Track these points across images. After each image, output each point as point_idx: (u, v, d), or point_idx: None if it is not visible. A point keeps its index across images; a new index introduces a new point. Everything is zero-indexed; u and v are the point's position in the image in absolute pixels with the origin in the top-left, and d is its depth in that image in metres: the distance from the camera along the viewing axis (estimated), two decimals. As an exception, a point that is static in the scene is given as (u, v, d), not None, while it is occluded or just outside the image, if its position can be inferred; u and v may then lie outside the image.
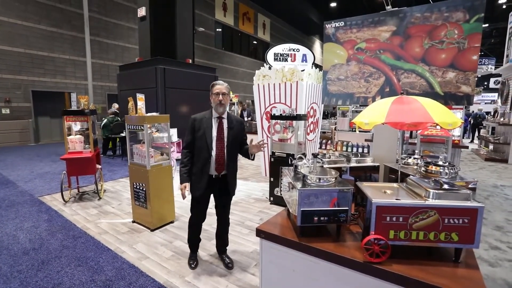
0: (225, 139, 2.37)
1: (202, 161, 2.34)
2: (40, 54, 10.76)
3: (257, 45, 22.54)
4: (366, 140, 5.84)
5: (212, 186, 2.42)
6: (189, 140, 2.39)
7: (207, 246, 2.97)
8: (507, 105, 8.84)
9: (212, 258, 2.76)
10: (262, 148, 2.33)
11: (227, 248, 2.74)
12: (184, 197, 2.33)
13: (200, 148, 2.35)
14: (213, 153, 2.34)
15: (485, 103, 19.85)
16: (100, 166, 4.74)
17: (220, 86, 2.34)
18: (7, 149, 9.45)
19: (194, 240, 2.66)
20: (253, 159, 2.47)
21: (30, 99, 10.70)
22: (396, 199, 1.24)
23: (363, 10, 18.04)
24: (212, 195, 2.52)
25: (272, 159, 4.18)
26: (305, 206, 1.37)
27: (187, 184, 2.37)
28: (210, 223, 3.23)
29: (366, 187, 1.43)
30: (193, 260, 2.63)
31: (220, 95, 2.31)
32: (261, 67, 5.49)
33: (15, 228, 3.43)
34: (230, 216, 2.67)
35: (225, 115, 2.40)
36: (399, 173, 1.65)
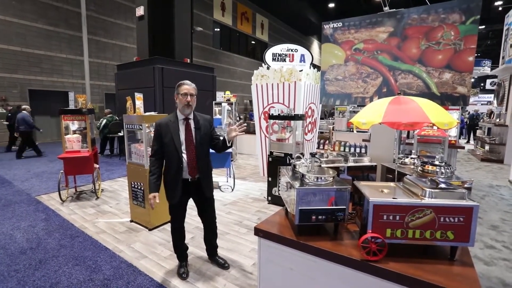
0: (194, 141, 2.26)
1: (175, 167, 2.24)
2: (37, 53, 10.70)
3: (255, 45, 22.55)
4: (363, 140, 5.87)
5: (189, 190, 2.34)
6: (156, 147, 2.27)
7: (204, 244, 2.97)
8: (502, 106, 8.92)
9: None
10: (239, 132, 2.19)
11: (217, 250, 2.69)
12: (152, 207, 2.22)
13: (170, 154, 2.24)
14: (184, 157, 2.24)
15: (482, 104, 20.04)
16: (97, 166, 4.72)
17: (188, 86, 2.22)
18: (2, 148, 9.38)
19: (180, 246, 2.51)
20: (230, 146, 2.30)
21: (26, 98, 10.63)
22: (393, 198, 1.26)
23: (361, 11, 18.10)
24: (192, 200, 2.44)
25: (270, 159, 4.19)
26: (303, 205, 1.38)
27: (156, 194, 2.23)
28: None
29: (363, 186, 1.44)
30: (183, 269, 2.49)
31: (188, 96, 2.19)
32: (259, 67, 5.50)
33: (12, 227, 3.41)
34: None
35: (191, 116, 2.29)
36: (396, 172, 1.67)
